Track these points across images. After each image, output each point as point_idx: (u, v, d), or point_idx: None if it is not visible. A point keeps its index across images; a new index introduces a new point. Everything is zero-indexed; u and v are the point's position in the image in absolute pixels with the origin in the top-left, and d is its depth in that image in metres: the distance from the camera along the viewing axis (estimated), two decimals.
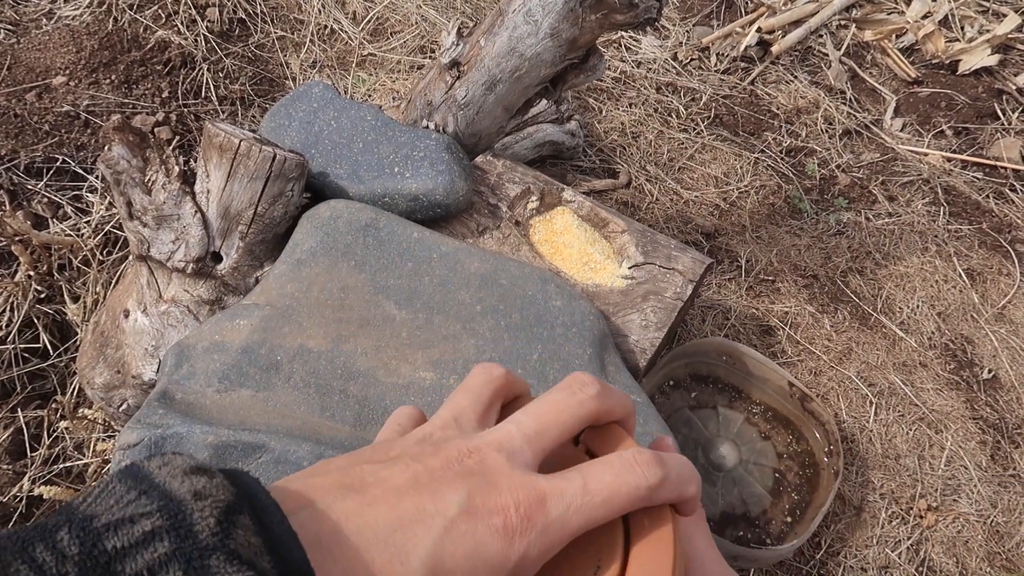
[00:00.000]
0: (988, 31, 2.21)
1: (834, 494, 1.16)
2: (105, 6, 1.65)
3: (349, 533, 0.24)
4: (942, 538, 1.27)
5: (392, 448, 0.29)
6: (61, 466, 1.12)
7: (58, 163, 1.34)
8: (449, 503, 0.26)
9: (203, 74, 1.60)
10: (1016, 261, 1.69)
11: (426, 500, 0.26)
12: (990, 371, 1.49)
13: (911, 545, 1.25)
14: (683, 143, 1.83)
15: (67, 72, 1.49)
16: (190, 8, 1.71)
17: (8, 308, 1.18)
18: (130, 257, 1.23)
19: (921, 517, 1.29)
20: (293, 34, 1.83)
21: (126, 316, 1.03)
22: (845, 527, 1.27)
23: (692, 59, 2.07)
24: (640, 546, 0.29)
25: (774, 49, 2.09)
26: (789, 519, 1.19)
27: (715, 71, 2.05)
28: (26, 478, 1.08)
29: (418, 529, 0.25)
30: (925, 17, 2.26)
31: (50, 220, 1.29)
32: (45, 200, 1.30)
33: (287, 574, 0.22)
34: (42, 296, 1.21)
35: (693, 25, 2.17)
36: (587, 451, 0.32)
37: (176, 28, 1.67)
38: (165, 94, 1.54)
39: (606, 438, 0.32)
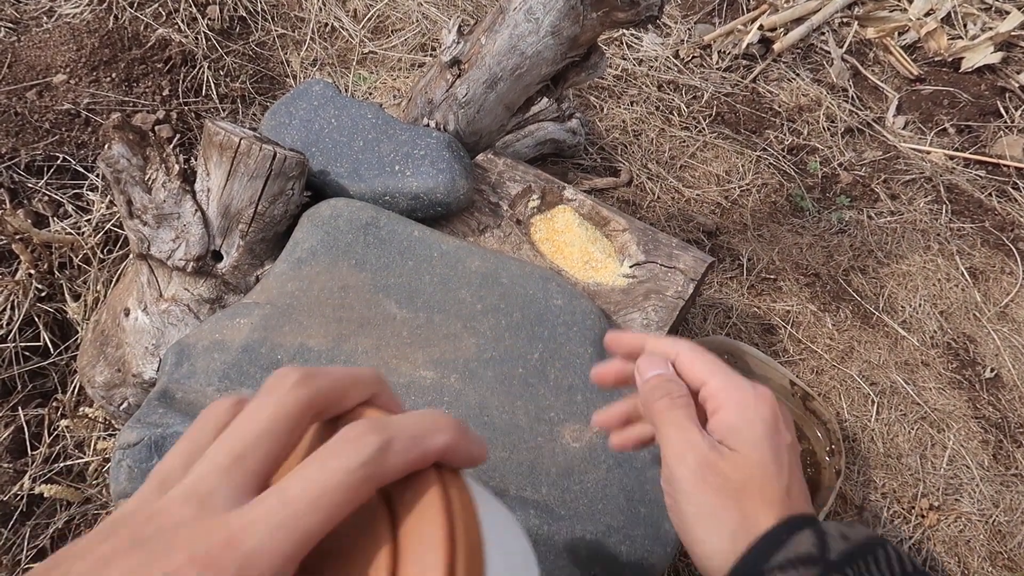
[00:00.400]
0: (991, 28, 2.20)
1: (836, 493, 1.16)
2: (105, 4, 1.65)
3: None
4: (944, 537, 1.27)
5: (83, 542, 0.26)
6: (62, 464, 1.12)
7: (59, 161, 1.34)
8: None
9: (204, 72, 1.60)
10: (1019, 259, 1.69)
11: None
12: (992, 370, 1.48)
13: (913, 544, 1.25)
14: (685, 141, 1.83)
15: (68, 70, 1.48)
16: (191, 6, 1.71)
17: (9, 306, 1.18)
18: (130, 256, 1.23)
19: (923, 516, 1.29)
20: (294, 32, 1.83)
21: (126, 314, 1.02)
22: None
23: (694, 57, 2.06)
24: (406, 525, 0.26)
25: (776, 47, 2.09)
26: None
27: (717, 69, 2.04)
28: (27, 476, 1.09)
29: None
30: (928, 15, 2.25)
31: (51, 218, 1.29)
32: (46, 198, 1.30)
33: None
34: (43, 294, 1.21)
35: (695, 23, 2.16)
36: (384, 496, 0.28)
37: (176, 26, 1.67)
38: (166, 92, 1.53)
39: (406, 481, 0.28)
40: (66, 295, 1.22)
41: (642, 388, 0.48)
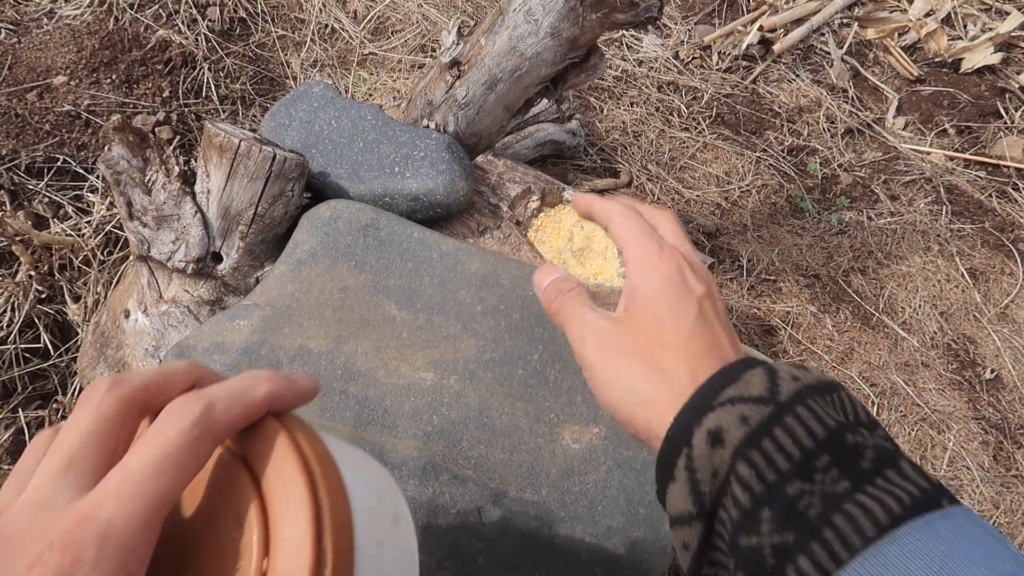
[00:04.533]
0: (991, 29, 2.20)
1: None
2: (106, 6, 1.65)
3: None
4: None
5: None
6: None
7: (59, 163, 1.34)
8: None
9: (204, 73, 1.60)
10: (1019, 260, 1.69)
11: None
12: (993, 371, 1.48)
13: None
14: (684, 142, 1.83)
15: (68, 72, 1.49)
16: (191, 7, 1.71)
17: (9, 308, 1.18)
18: (130, 257, 1.23)
19: None
20: (294, 33, 1.83)
21: (126, 316, 1.03)
22: None
23: (694, 58, 2.06)
24: (265, 472, 0.27)
25: (776, 48, 2.09)
26: None
27: (717, 70, 2.04)
28: None
29: None
30: (928, 15, 2.25)
31: (51, 220, 1.29)
32: (46, 200, 1.30)
33: None
34: (43, 296, 1.21)
35: (695, 24, 2.16)
36: (241, 458, 0.30)
37: (177, 27, 1.67)
38: (166, 93, 1.53)
39: (255, 436, 0.30)
40: (66, 297, 1.22)
41: (543, 300, 0.47)
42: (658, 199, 1.68)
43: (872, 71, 2.16)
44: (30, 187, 1.30)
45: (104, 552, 0.24)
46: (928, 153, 1.94)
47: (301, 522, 0.26)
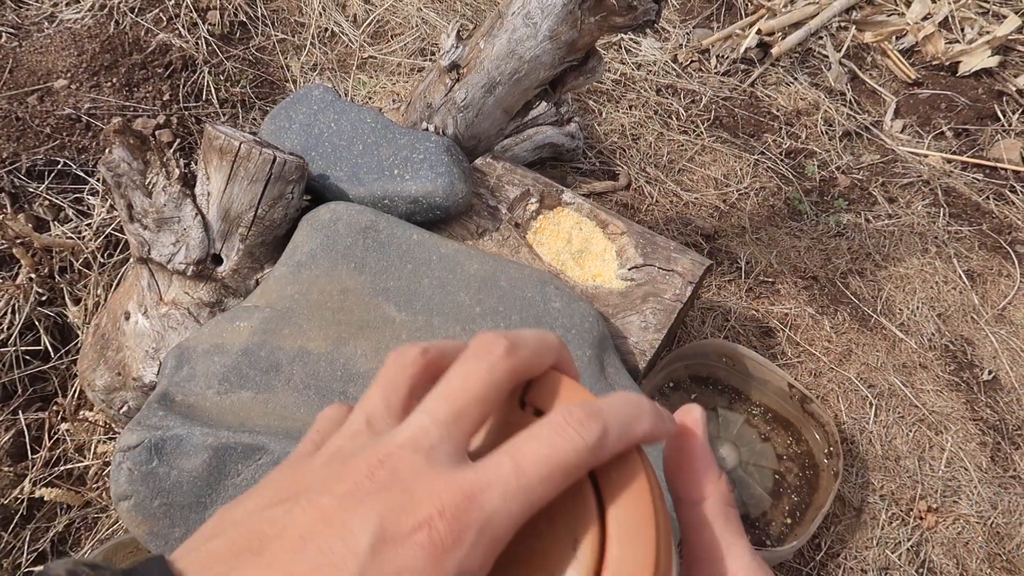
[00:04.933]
0: (988, 32, 2.21)
1: (834, 495, 1.16)
2: (106, 9, 1.65)
3: None
4: (942, 539, 1.27)
5: (298, 477, 0.26)
6: (62, 468, 1.12)
7: (59, 166, 1.34)
8: (359, 538, 0.23)
9: (204, 77, 1.61)
10: (1016, 262, 1.69)
11: (333, 542, 0.23)
12: (990, 372, 1.49)
13: (911, 546, 1.25)
14: (683, 145, 1.83)
15: (68, 75, 1.49)
16: (191, 11, 1.72)
17: (9, 310, 1.18)
18: (131, 260, 1.23)
19: (921, 518, 1.29)
20: (294, 37, 1.84)
21: (127, 318, 1.03)
22: (845, 528, 1.27)
23: (692, 61, 2.07)
24: (615, 503, 0.26)
25: (774, 51, 2.10)
26: (789, 520, 1.19)
27: (715, 73, 2.05)
28: (27, 480, 1.09)
29: None
30: (925, 19, 2.26)
31: (51, 223, 1.29)
32: (46, 203, 1.30)
33: None
34: (43, 298, 1.21)
35: (693, 27, 2.17)
36: (535, 411, 0.29)
37: (177, 31, 1.68)
38: (166, 97, 1.54)
39: (548, 390, 0.29)
40: (66, 299, 1.22)
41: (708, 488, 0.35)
42: (656, 201, 1.69)
43: (870, 74, 2.16)
44: (31, 190, 1.31)
45: (480, 541, 0.23)
46: (926, 156, 1.94)
47: (642, 497, 0.26)
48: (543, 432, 0.25)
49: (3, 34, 1.58)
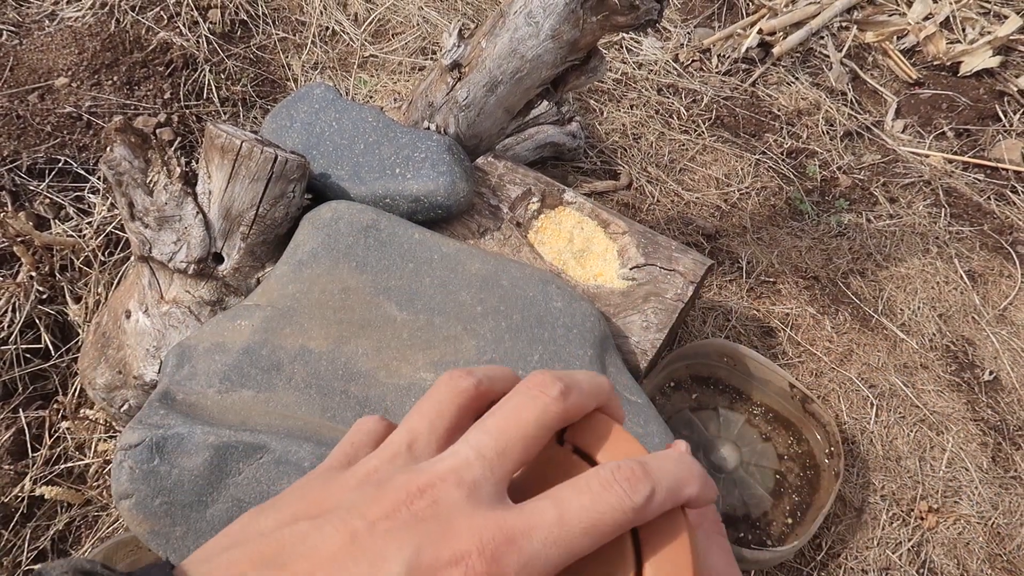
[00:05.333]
0: (989, 33, 2.21)
1: (835, 495, 1.16)
2: (107, 8, 1.65)
3: None
4: (943, 540, 1.27)
5: (329, 493, 0.25)
6: (62, 466, 1.12)
7: (60, 164, 1.34)
8: (392, 566, 0.22)
9: (205, 75, 1.61)
10: (1017, 263, 1.69)
11: (364, 567, 0.22)
12: (991, 373, 1.49)
13: (912, 547, 1.25)
14: (684, 144, 1.83)
15: (69, 73, 1.49)
16: (192, 10, 1.72)
17: (10, 308, 1.18)
18: (132, 258, 1.23)
19: (922, 519, 1.29)
20: (295, 35, 1.83)
21: (128, 317, 1.03)
22: (846, 528, 1.27)
23: (693, 61, 2.07)
24: (655, 557, 0.26)
25: (775, 51, 2.10)
26: (790, 520, 1.19)
27: (716, 73, 2.05)
28: (27, 478, 1.09)
29: None
30: (926, 19, 2.26)
31: (52, 221, 1.29)
32: (47, 201, 1.30)
33: None
34: (44, 297, 1.21)
35: (694, 27, 2.17)
36: (574, 449, 0.29)
37: (178, 30, 1.68)
38: (167, 95, 1.54)
39: (591, 432, 0.29)
40: (67, 297, 1.22)
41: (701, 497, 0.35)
42: (658, 201, 1.69)
43: (871, 74, 2.16)
44: (31, 188, 1.31)
45: None
46: (927, 156, 1.94)
47: (683, 553, 0.26)
48: (591, 485, 0.25)
49: (4, 32, 1.58)
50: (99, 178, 1.36)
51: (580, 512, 0.24)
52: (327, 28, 1.87)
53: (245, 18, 1.80)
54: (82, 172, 1.36)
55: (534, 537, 0.23)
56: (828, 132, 1.95)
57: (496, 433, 0.26)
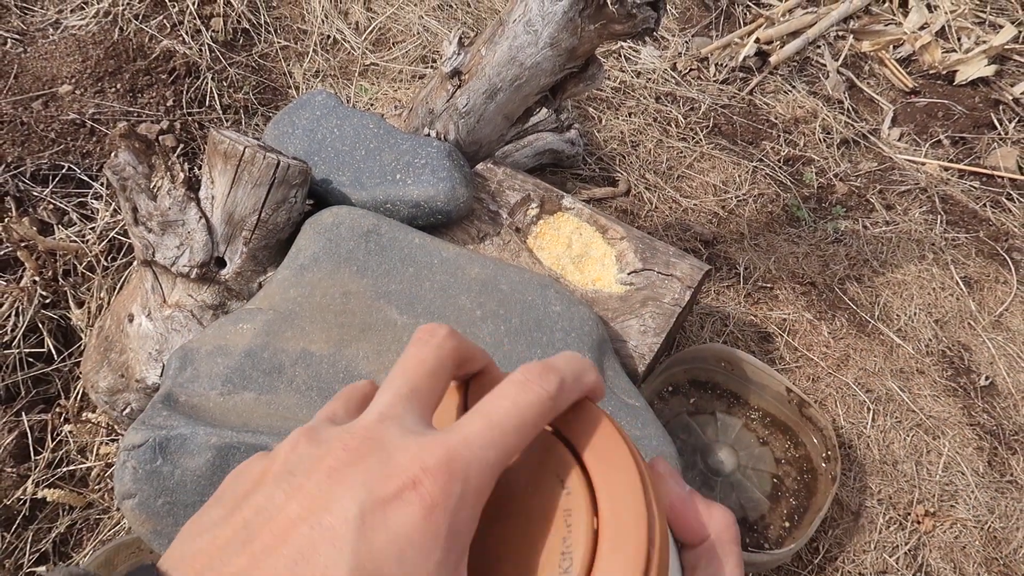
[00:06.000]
0: (984, 42, 2.23)
1: (832, 499, 1.17)
2: (111, 16, 1.67)
3: None
4: (940, 544, 1.28)
5: (275, 463, 0.26)
6: (64, 469, 1.13)
7: (64, 170, 1.36)
8: (348, 507, 0.23)
9: (207, 83, 1.62)
10: (1013, 269, 1.70)
11: (323, 515, 0.23)
12: (987, 378, 1.50)
13: (909, 550, 1.26)
14: (682, 152, 1.85)
15: (73, 81, 1.50)
16: (195, 18, 1.73)
17: (13, 313, 1.19)
18: (134, 263, 1.25)
19: (919, 523, 1.30)
20: (296, 44, 1.85)
21: (130, 321, 1.04)
22: (843, 532, 1.27)
23: (691, 69, 2.09)
24: (586, 442, 0.29)
25: (772, 59, 2.11)
26: (787, 524, 1.20)
27: (714, 81, 2.07)
28: (30, 481, 1.09)
29: (324, 551, 0.22)
30: (922, 28, 2.28)
31: (55, 226, 1.30)
32: (51, 206, 1.32)
33: None
34: (47, 301, 1.22)
35: (692, 36, 2.19)
36: (554, 431, 0.31)
37: (181, 38, 1.69)
38: (170, 102, 1.55)
39: (575, 418, 0.31)
40: (70, 302, 1.23)
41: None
42: (656, 207, 1.70)
43: (867, 83, 2.18)
44: (35, 194, 1.32)
45: (467, 491, 0.25)
46: (923, 163, 1.96)
47: (632, 488, 0.27)
48: (509, 391, 0.28)
49: (9, 40, 1.59)
50: (102, 184, 1.37)
51: (505, 413, 0.27)
52: (328, 36, 1.89)
53: (247, 27, 1.82)
54: (85, 178, 1.37)
55: (471, 445, 0.25)
56: (825, 140, 1.97)
57: (402, 373, 0.29)
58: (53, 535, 1.08)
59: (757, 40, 2.12)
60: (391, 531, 0.23)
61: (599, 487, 0.28)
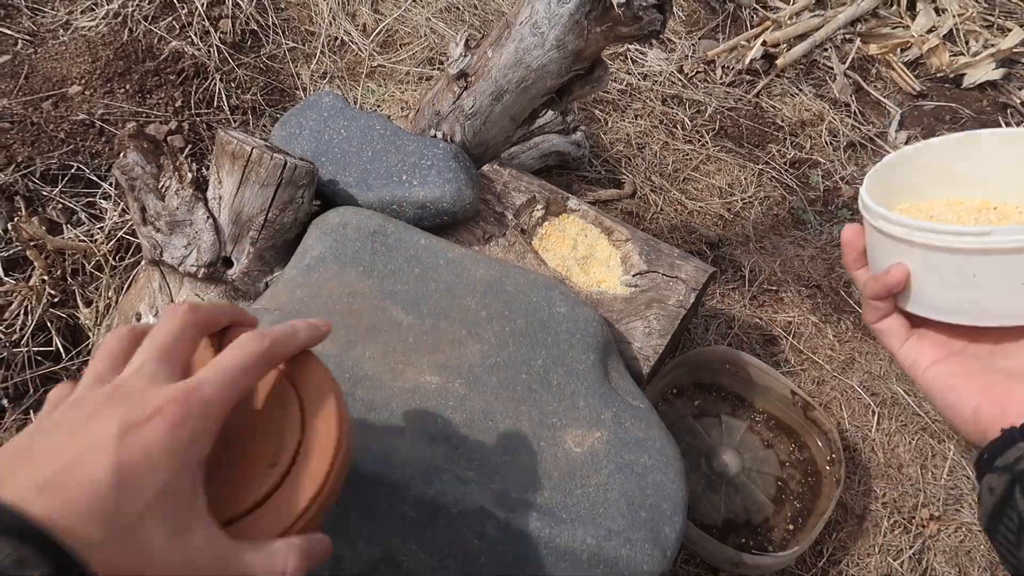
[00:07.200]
0: (992, 45, 2.22)
1: (836, 502, 1.17)
2: (120, 17, 1.68)
3: (26, 490, 0.29)
4: (944, 547, 1.27)
5: (50, 422, 0.34)
6: None
7: (73, 170, 1.37)
8: (109, 426, 0.32)
9: (215, 84, 1.63)
10: None
11: (89, 432, 0.32)
12: None
13: (913, 554, 1.26)
14: (688, 154, 1.85)
15: (83, 81, 1.52)
16: (203, 20, 1.74)
17: (22, 312, 1.20)
18: (142, 262, 1.25)
19: (923, 526, 1.29)
20: (304, 45, 1.86)
21: (138, 320, 1.05)
22: (847, 535, 1.27)
23: (697, 72, 2.09)
24: (303, 382, 0.44)
25: (779, 62, 2.11)
26: (791, 527, 1.20)
27: (720, 84, 2.07)
28: None
29: (91, 456, 0.31)
30: (930, 31, 2.27)
31: (64, 226, 1.31)
32: (60, 206, 1.33)
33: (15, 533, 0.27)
34: (55, 300, 1.23)
35: (699, 38, 2.19)
36: (286, 375, 0.45)
37: (190, 39, 1.71)
38: (178, 103, 1.56)
39: (299, 366, 0.45)
40: (78, 301, 1.24)
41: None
42: (661, 210, 1.70)
43: (874, 86, 2.18)
44: (45, 193, 1.33)
45: (206, 414, 0.35)
46: None
47: (330, 412, 0.42)
48: (234, 347, 0.39)
49: (19, 41, 1.61)
50: (111, 184, 1.38)
51: (233, 360, 0.38)
52: (336, 38, 1.90)
53: (255, 28, 1.83)
54: (94, 178, 1.38)
55: (208, 382, 0.36)
56: (831, 143, 1.96)
57: (155, 340, 0.38)
58: None
59: (764, 43, 2.12)
60: (144, 441, 0.32)
61: (308, 413, 0.42)
